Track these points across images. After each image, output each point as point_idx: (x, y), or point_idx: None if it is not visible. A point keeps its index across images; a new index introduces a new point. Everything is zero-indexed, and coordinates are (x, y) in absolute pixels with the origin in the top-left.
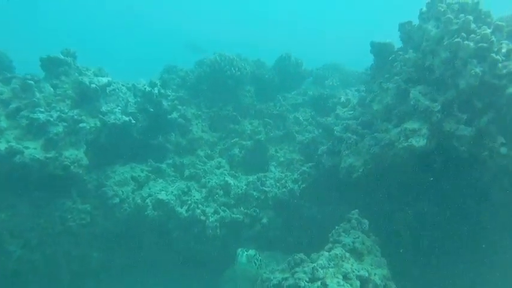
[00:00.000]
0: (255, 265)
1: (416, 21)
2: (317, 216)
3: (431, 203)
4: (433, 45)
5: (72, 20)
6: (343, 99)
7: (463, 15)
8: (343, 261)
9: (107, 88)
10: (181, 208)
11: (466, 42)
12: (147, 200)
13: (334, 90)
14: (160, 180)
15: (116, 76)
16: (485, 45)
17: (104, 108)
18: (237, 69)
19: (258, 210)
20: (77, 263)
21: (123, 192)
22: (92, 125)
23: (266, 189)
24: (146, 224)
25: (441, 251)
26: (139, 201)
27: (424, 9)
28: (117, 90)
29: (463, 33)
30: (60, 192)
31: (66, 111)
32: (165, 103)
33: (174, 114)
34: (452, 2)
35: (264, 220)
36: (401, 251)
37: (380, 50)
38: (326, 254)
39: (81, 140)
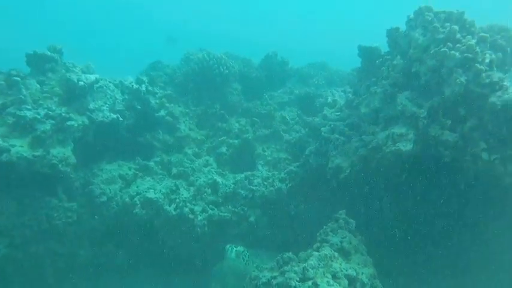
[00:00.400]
0: (243, 261)
1: (403, 27)
2: (304, 215)
3: (417, 203)
4: (420, 52)
5: (76, 17)
6: (330, 99)
7: (448, 24)
8: (332, 261)
9: (95, 85)
10: (170, 206)
11: (452, 52)
12: (136, 199)
13: (320, 88)
14: (148, 178)
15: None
16: (470, 55)
17: (91, 106)
18: (225, 67)
19: (245, 209)
20: (62, 261)
21: (110, 190)
22: (80, 122)
23: (254, 188)
24: (134, 222)
25: (425, 249)
26: (127, 199)
27: (412, 16)
28: (104, 87)
29: (449, 43)
30: (46, 190)
31: (54, 108)
32: (152, 100)
33: (162, 112)
34: (439, 11)
35: (251, 218)
36: (387, 249)
37: (367, 54)
38: (316, 254)
39: (68, 138)
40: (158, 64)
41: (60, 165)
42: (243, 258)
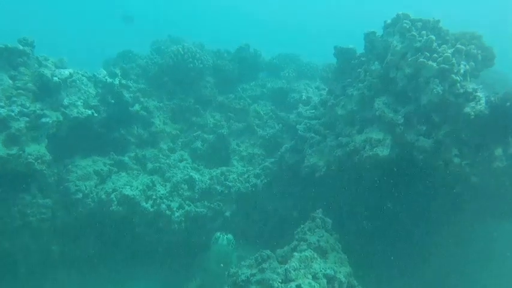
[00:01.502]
0: (232, 248)
1: (380, 31)
2: (278, 210)
3: (390, 200)
4: (398, 59)
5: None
6: (304, 96)
7: (425, 32)
8: (312, 261)
9: (68, 80)
10: (147, 203)
11: (429, 62)
12: (112, 196)
13: (291, 81)
14: (123, 174)
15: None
16: (446, 66)
17: (66, 102)
18: (199, 61)
19: (221, 204)
20: (35, 257)
21: (86, 187)
22: (54, 119)
23: (229, 183)
24: (111, 219)
25: (398, 246)
26: (103, 196)
27: (389, 21)
28: (78, 81)
29: (426, 52)
30: (19, 187)
31: (28, 105)
32: (126, 95)
33: (136, 107)
34: (416, 18)
35: (227, 213)
36: (360, 245)
37: (343, 54)
38: (297, 255)
39: (43, 135)
40: (129, 53)
41: (35, 164)
42: (231, 245)
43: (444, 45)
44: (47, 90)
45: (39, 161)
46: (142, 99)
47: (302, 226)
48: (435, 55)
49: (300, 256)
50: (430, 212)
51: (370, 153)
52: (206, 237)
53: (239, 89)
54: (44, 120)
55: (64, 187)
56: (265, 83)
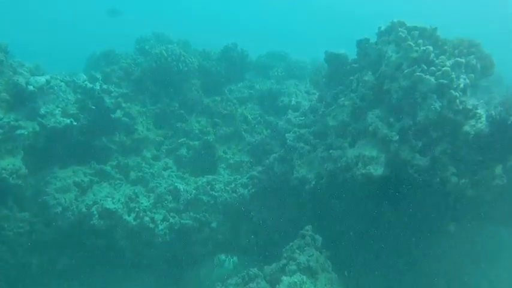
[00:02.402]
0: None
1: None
2: (267, 220)
3: (382, 215)
4: (392, 70)
5: None
6: (293, 101)
7: (421, 41)
8: (301, 287)
9: (45, 87)
10: (129, 216)
11: (427, 76)
12: (93, 209)
13: (280, 81)
14: (105, 184)
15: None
16: (445, 81)
17: (42, 111)
18: (183, 64)
19: (207, 215)
20: (15, 271)
21: (65, 200)
22: (30, 129)
23: (216, 193)
24: (92, 232)
25: (389, 262)
26: (84, 209)
27: (383, 28)
28: (56, 87)
29: (423, 65)
30: None
31: (1, 116)
32: (107, 100)
33: (118, 113)
34: (412, 26)
35: (213, 224)
36: (351, 260)
37: (334, 60)
38: (286, 280)
39: (18, 147)
40: (111, 53)
41: (10, 179)
42: (237, 269)
43: (442, 56)
44: (21, 100)
45: (14, 175)
46: (124, 105)
47: (291, 244)
48: (433, 68)
49: (289, 282)
50: (425, 222)
51: (363, 171)
52: (192, 249)
53: (226, 91)
54: (19, 132)
55: (42, 200)
56: (253, 84)
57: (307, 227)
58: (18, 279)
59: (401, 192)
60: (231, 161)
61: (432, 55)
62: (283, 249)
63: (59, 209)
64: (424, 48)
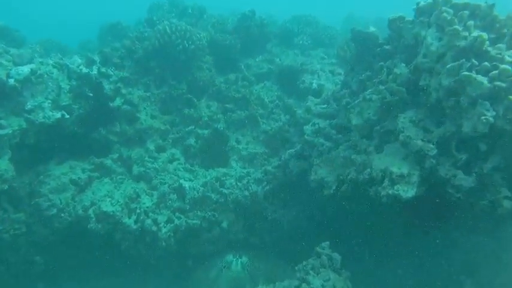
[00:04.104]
0: (248, 272)
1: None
2: (282, 220)
3: (412, 236)
4: (432, 62)
5: None
6: (315, 85)
7: (472, 22)
8: None
9: (32, 77)
10: (130, 219)
11: (479, 77)
12: (90, 211)
13: (305, 51)
14: (106, 180)
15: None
16: (503, 85)
17: (29, 105)
18: (190, 42)
19: (216, 215)
20: (18, 269)
21: (61, 200)
22: (16, 127)
23: (226, 191)
24: (90, 234)
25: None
26: (80, 211)
27: (422, 4)
28: (45, 76)
29: (473, 60)
30: None
31: None
32: (106, 86)
33: (118, 101)
34: (460, 2)
35: (224, 224)
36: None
37: (361, 40)
38: None
39: (4, 147)
40: (117, 26)
41: None
42: (247, 269)
43: (500, 45)
44: (3, 94)
45: (0, 179)
46: (124, 91)
47: (305, 263)
48: (486, 64)
49: None
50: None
51: (390, 191)
52: (199, 251)
53: (242, 67)
54: (2, 132)
55: (35, 203)
56: (273, 57)
57: (323, 244)
58: (23, 277)
59: (437, 213)
60: (244, 153)
61: (486, 44)
62: (296, 267)
63: (54, 211)
64: (476, 35)
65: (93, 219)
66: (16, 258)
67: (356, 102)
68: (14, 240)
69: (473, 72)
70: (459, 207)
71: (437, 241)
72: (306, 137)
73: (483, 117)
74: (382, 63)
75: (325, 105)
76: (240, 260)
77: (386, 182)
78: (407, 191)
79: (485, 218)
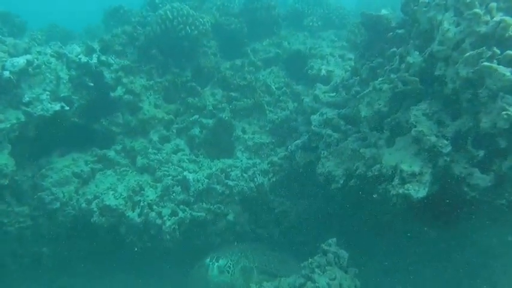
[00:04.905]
0: (228, 274)
1: None
2: (290, 212)
3: (423, 236)
4: (449, 50)
5: None
6: (323, 71)
7: (495, 5)
8: None
9: (29, 68)
10: (133, 212)
11: (500, 68)
12: (93, 204)
13: (315, 33)
14: (110, 172)
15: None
16: None
17: (27, 97)
18: (193, 27)
19: (222, 207)
20: (26, 260)
21: (64, 194)
22: (14, 121)
23: (231, 183)
24: (95, 227)
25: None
26: (83, 204)
27: None
28: (43, 66)
29: (495, 48)
30: None
31: None
32: (107, 75)
33: (119, 91)
34: None
35: (230, 217)
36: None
37: (372, 24)
38: None
39: (3, 141)
40: (120, 10)
41: None
42: (227, 271)
43: None
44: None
45: (1, 174)
46: (125, 80)
47: (311, 260)
48: (510, 53)
49: None
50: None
51: (400, 191)
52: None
53: (249, 51)
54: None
55: (38, 197)
56: (281, 40)
57: (330, 241)
58: (31, 268)
59: (450, 211)
60: (250, 143)
61: (511, 30)
62: (301, 265)
63: (57, 204)
64: (498, 19)
65: (97, 212)
66: (23, 251)
67: (366, 91)
68: (20, 233)
69: (495, 62)
70: (474, 206)
71: (451, 241)
72: (313, 127)
73: (504, 113)
74: (394, 49)
75: (333, 94)
76: (216, 264)
77: (396, 180)
78: (418, 191)
79: (502, 219)
